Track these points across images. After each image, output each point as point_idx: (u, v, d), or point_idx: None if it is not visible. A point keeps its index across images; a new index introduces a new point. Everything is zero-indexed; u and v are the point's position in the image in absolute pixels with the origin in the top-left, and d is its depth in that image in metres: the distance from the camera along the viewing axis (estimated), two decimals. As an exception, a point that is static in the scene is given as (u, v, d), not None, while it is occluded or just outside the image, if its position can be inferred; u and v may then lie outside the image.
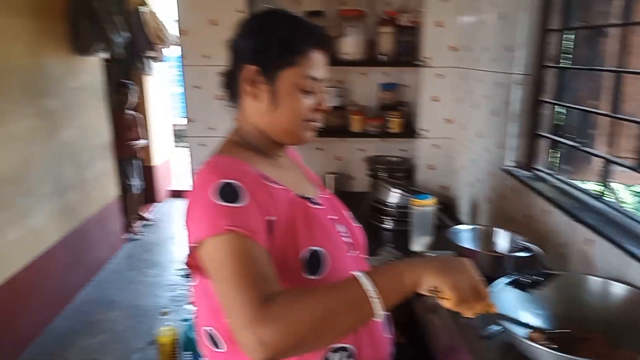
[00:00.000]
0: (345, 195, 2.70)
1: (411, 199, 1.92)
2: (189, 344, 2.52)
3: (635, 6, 1.45)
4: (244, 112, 1.01)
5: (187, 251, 0.88)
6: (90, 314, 3.25)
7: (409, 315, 1.45)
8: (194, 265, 0.90)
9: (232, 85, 1.02)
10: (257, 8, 2.46)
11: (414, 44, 2.44)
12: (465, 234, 1.58)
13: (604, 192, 1.37)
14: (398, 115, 2.51)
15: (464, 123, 2.32)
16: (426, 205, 1.88)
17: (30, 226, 2.93)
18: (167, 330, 2.62)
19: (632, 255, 1.09)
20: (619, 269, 1.17)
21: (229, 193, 0.85)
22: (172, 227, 4.76)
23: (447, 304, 0.80)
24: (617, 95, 1.33)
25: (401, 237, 2.04)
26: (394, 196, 2.23)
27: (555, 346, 1.01)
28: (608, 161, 1.34)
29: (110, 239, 4.05)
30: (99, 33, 3.45)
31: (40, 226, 3.03)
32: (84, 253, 3.58)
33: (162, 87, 5.38)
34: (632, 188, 5.17)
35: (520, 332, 1.02)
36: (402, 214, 2.17)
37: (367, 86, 2.65)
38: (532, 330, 1.06)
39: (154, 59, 4.82)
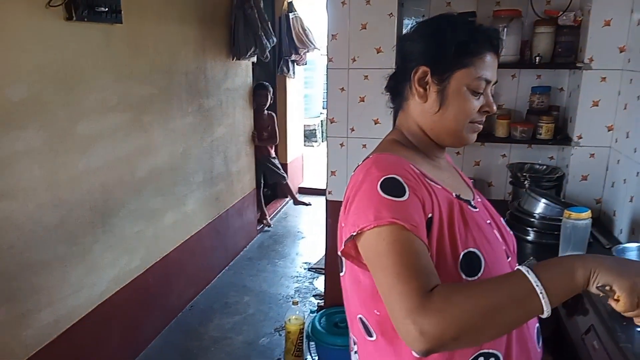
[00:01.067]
0: (483, 203, 2.59)
1: (565, 210, 1.77)
2: (314, 334, 2.61)
3: None
4: (409, 112, 1.04)
5: (345, 239, 0.91)
6: (227, 296, 3.54)
7: (558, 333, 1.34)
8: (348, 254, 0.93)
9: (397, 86, 1.05)
10: (407, 12, 2.48)
11: (574, 45, 2.25)
12: (632, 253, 1.42)
13: None
14: (550, 120, 2.33)
15: (629, 131, 2.07)
16: (582, 218, 1.72)
17: (185, 211, 3.28)
18: (294, 318, 2.74)
19: None
20: None
21: (392, 187, 0.87)
22: (301, 222, 4.99)
23: (618, 307, 0.74)
24: None
25: (546, 251, 1.91)
26: (541, 206, 2.08)
27: None
28: None
29: (246, 229, 4.37)
30: (253, 39, 3.74)
31: (192, 211, 3.38)
32: (225, 239, 3.91)
33: (298, 89, 5.66)
34: None
35: None
36: (548, 226, 2.03)
37: (516, 89, 2.51)
38: None
39: (297, 62, 5.11)
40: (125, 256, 2.67)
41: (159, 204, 2.96)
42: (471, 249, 0.91)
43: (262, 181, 4.63)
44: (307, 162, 6.25)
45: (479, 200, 1.09)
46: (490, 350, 0.92)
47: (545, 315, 0.74)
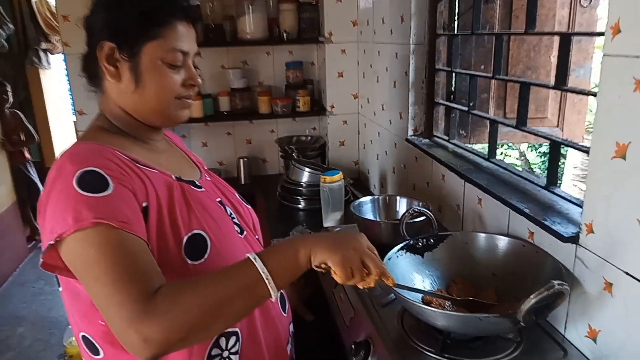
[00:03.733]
0: (259, 179, 2.65)
1: (320, 176, 1.89)
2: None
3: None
4: (108, 94, 0.93)
5: (43, 250, 0.78)
6: (-6, 333, 2.98)
7: (317, 293, 1.42)
8: (53, 266, 0.80)
9: (91, 66, 0.93)
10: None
11: (316, 21, 2.40)
12: (367, 206, 1.58)
13: (494, 153, 1.41)
14: (306, 94, 2.48)
15: (368, 97, 2.32)
16: (335, 180, 1.86)
17: None
18: (75, 339, 2.44)
19: (516, 209, 1.12)
20: (505, 223, 1.20)
21: (92, 182, 0.76)
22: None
23: (337, 279, 0.80)
24: (499, 59, 1.36)
25: (315, 216, 2.02)
26: (306, 175, 2.20)
27: (448, 305, 1.02)
28: (492, 121, 1.38)
29: (12, 250, 3.72)
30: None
31: None
32: (-19, 267, 3.26)
33: (59, 81, 4.97)
34: (539, 150, 5.55)
35: (414, 296, 1.02)
36: (315, 192, 2.15)
37: (272, 66, 2.59)
38: (425, 294, 1.07)
39: (50, 51, 4.46)
40: None
41: None
42: (196, 231, 0.87)
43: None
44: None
45: (208, 179, 1.05)
46: (229, 330, 0.90)
47: (273, 298, 0.77)
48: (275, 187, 2.33)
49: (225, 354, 0.89)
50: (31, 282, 3.57)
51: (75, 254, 0.75)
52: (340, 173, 1.88)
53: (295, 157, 2.43)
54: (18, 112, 3.85)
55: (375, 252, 0.83)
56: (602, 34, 0.86)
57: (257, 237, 1.09)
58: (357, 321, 1.13)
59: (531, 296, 0.80)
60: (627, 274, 0.83)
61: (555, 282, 0.80)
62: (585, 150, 0.94)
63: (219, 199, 1.00)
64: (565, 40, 1.05)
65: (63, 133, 4.90)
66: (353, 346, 1.02)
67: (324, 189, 1.87)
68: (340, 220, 1.88)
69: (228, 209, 1.01)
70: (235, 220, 1.01)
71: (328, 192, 1.87)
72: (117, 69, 0.88)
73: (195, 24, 0.95)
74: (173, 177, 0.91)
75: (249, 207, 1.13)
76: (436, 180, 1.61)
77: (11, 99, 3.77)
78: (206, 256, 0.87)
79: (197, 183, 0.97)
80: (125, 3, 0.88)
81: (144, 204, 0.81)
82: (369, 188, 2.41)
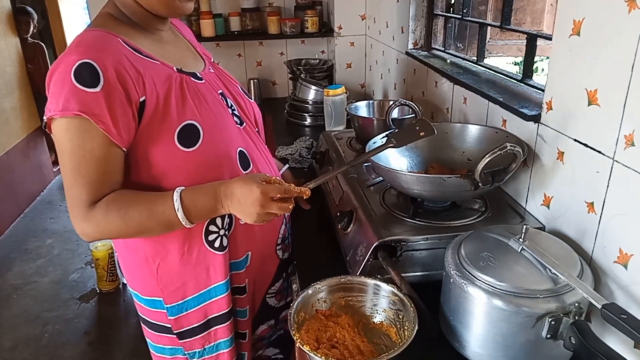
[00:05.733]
0: (269, 101, 2.75)
1: (324, 89, 1.98)
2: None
3: None
4: None
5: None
6: (26, 242, 3.25)
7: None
8: None
9: None
10: None
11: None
12: (362, 109, 1.68)
13: (482, 56, 1.49)
14: (314, 14, 2.52)
15: (375, 17, 2.37)
16: (338, 94, 1.95)
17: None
18: (101, 245, 2.67)
19: (492, 99, 1.21)
20: (484, 117, 1.31)
21: (86, 75, 0.83)
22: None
23: None
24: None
25: (318, 131, 2.12)
26: (312, 93, 2.30)
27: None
28: (480, 25, 1.45)
29: (39, 171, 3.96)
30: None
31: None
32: (12, 185, 3.49)
33: (79, 12, 5.05)
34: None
35: (392, 166, 1.14)
36: (319, 109, 2.25)
37: (281, -14, 2.63)
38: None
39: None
40: None
41: None
42: (189, 121, 0.93)
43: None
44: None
45: (212, 71, 1.10)
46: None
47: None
48: (283, 108, 2.44)
49: (222, 232, 1.01)
50: (58, 202, 3.82)
51: (58, 137, 0.87)
52: (343, 87, 1.97)
53: (303, 77, 2.52)
54: (42, 44, 3.93)
55: (274, 188, 0.87)
56: None
57: (257, 129, 1.16)
58: (345, 199, 1.26)
59: (486, 155, 0.92)
60: (575, 140, 0.94)
61: (508, 144, 0.91)
62: (550, 37, 1.03)
63: (220, 91, 1.06)
64: None
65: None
66: (338, 214, 1.16)
67: (327, 102, 1.97)
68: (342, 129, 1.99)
69: (229, 100, 1.07)
70: (236, 112, 1.07)
71: (331, 105, 1.97)
72: None
73: None
74: (175, 69, 0.96)
75: (252, 101, 1.19)
76: (430, 88, 1.70)
77: (34, 29, 3.84)
78: (199, 144, 0.94)
79: (198, 75, 1.01)
80: None
81: (142, 99, 0.88)
82: (373, 108, 2.50)
